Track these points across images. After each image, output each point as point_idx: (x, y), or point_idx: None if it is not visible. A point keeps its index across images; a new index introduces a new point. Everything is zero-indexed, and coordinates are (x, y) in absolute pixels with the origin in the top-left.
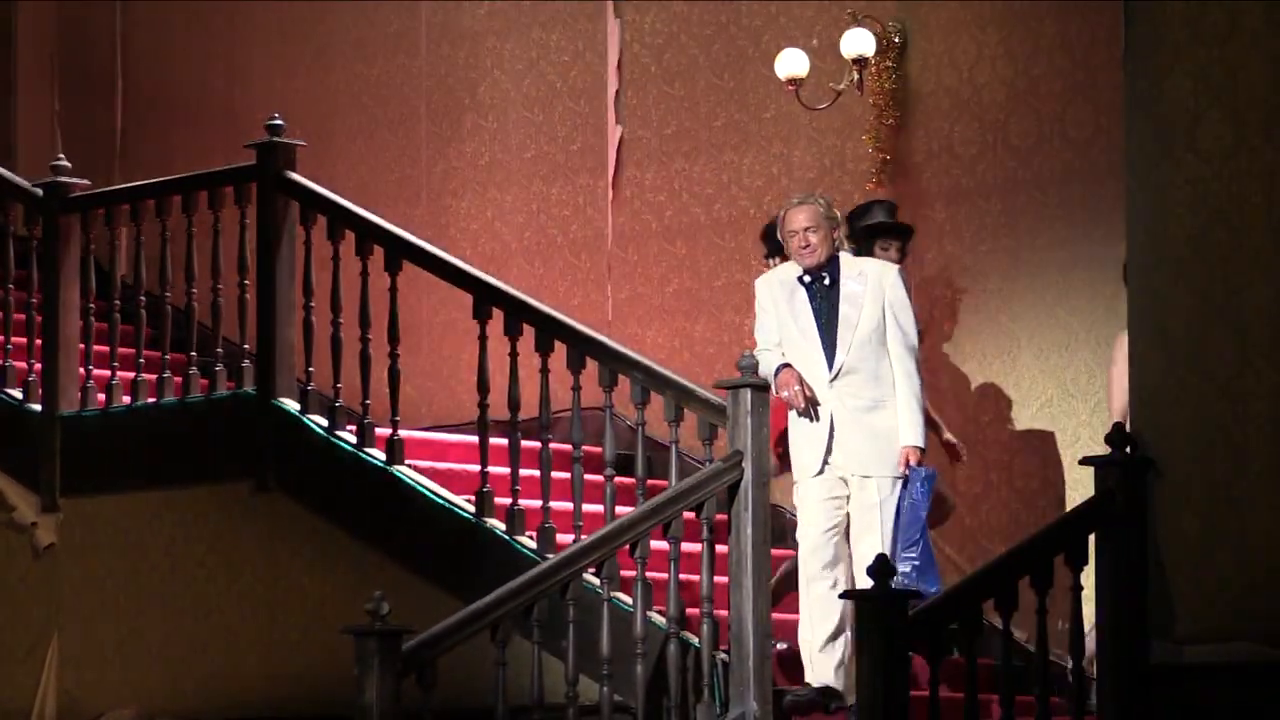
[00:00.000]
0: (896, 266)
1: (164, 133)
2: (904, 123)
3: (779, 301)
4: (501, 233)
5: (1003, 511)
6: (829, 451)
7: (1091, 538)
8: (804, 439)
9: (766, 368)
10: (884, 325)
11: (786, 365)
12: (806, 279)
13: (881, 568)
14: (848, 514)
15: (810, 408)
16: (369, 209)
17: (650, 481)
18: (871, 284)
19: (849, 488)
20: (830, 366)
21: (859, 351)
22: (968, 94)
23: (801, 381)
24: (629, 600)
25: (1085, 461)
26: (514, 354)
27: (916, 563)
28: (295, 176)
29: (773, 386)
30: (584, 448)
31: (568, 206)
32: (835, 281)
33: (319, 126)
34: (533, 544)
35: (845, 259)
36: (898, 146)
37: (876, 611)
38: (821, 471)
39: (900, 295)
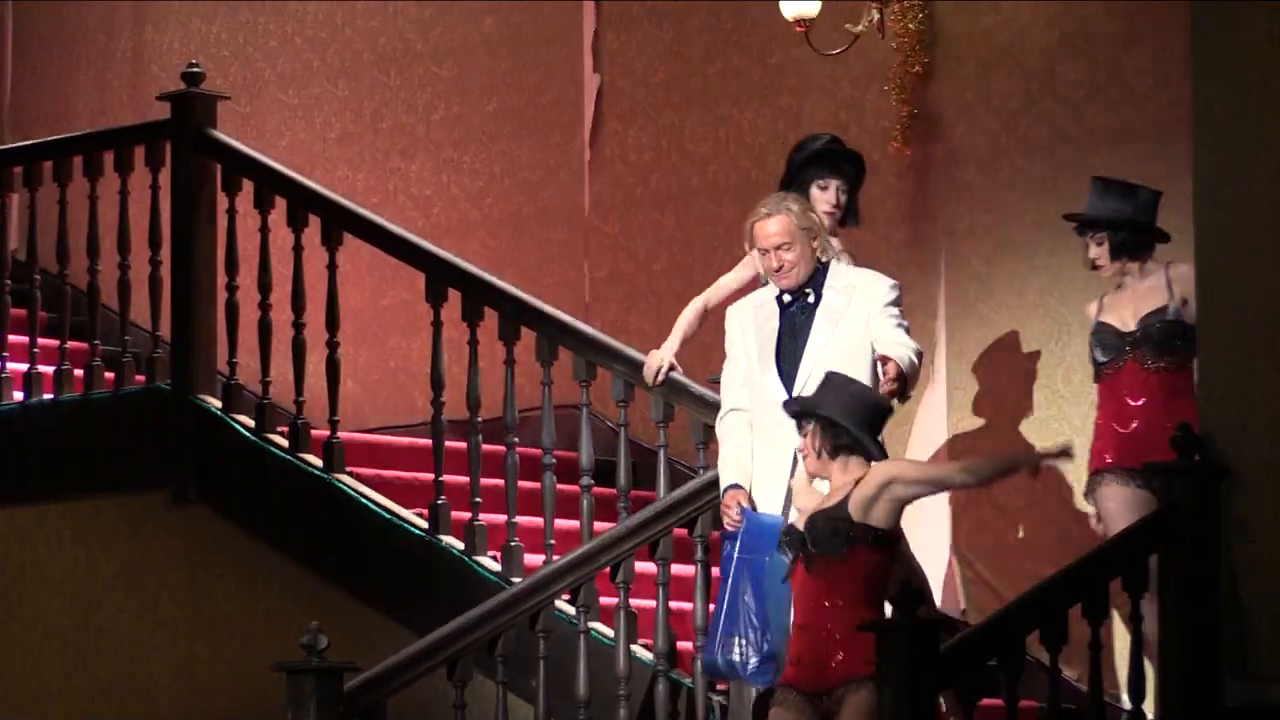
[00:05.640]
0: (892, 280)
1: (62, 83)
2: (932, 71)
3: (748, 332)
4: (459, 200)
5: (1049, 528)
6: (789, 497)
7: (1154, 559)
8: (765, 472)
9: (725, 437)
10: (864, 346)
11: (735, 485)
12: (787, 299)
13: (907, 596)
14: None
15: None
16: (303, 173)
17: (634, 493)
18: (857, 297)
19: None
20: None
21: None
22: (1007, 37)
23: (744, 511)
24: (609, 632)
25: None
26: (474, 342)
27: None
28: (216, 134)
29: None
30: (556, 453)
31: (538, 169)
32: (820, 298)
33: (245, 75)
34: (496, 566)
35: (835, 269)
36: (925, 98)
37: (903, 644)
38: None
39: (892, 311)
